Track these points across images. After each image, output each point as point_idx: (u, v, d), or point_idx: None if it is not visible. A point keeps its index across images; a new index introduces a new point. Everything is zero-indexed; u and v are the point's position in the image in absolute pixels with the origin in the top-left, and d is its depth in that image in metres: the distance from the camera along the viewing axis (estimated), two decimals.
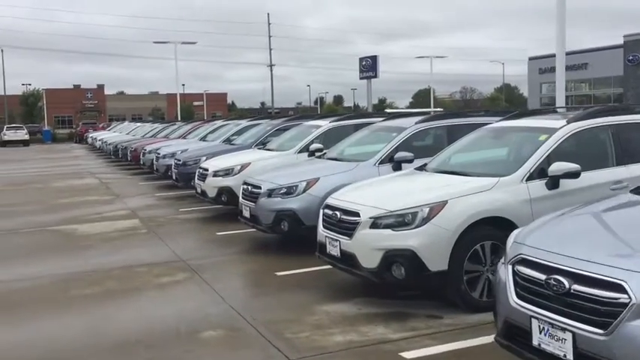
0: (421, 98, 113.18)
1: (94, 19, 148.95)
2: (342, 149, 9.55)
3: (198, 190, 11.36)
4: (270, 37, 77.19)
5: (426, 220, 5.34)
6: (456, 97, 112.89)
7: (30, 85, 78.06)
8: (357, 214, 5.68)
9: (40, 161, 30.26)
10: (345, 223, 5.82)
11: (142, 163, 19.26)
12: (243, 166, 10.73)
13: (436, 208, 5.38)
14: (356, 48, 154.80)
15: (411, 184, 6.32)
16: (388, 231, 5.45)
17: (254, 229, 8.78)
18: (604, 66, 45.92)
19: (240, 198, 8.85)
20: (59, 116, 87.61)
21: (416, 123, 8.68)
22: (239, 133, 15.66)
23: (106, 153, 30.22)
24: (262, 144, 13.05)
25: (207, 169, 11.14)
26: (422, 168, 6.94)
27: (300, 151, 10.97)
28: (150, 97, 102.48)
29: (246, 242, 9.09)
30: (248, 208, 8.48)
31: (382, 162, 8.27)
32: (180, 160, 13.63)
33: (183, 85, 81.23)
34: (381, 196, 5.93)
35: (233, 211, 10.84)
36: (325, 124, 11.42)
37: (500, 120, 7.23)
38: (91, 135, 43.35)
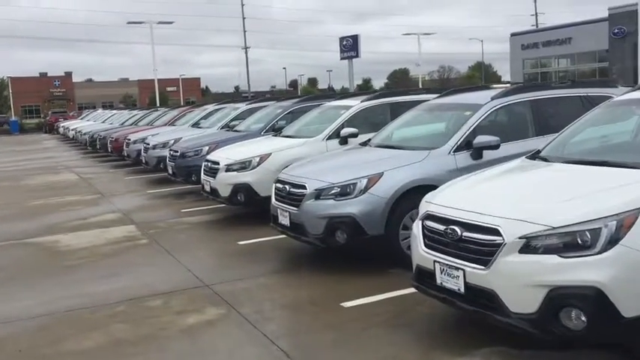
0: (397, 79, 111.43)
1: (56, 3, 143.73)
2: (391, 134, 7.71)
3: (207, 188, 9.40)
4: (244, 18, 74.82)
5: (615, 239, 3.51)
6: (434, 76, 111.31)
7: None
8: (496, 231, 3.82)
9: (8, 154, 27.76)
10: (472, 244, 3.97)
11: (125, 154, 17.13)
12: (263, 158, 8.82)
13: None
14: (326, 29, 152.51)
15: (556, 183, 4.46)
16: (553, 258, 3.61)
17: (285, 236, 6.93)
18: (588, 40, 44.53)
19: (274, 200, 6.93)
20: (26, 106, 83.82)
21: (492, 98, 6.85)
22: (239, 117, 13.71)
23: (80, 144, 27.86)
24: (273, 130, 11.13)
25: (217, 163, 9.17)
26: (535, 156, 5.12)
27: (329, 138, 9.12)
28: (120, 83, 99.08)
29: (281, 255, 7.20)
30: (287, 214, 6.56)
31: (458, 149, 6.45)
32: (177, 151, 11.61)
33: (156, 70, 78.16)
34: (522, 203, 4.06)
35: (250, 212, 9.02)
36: (356, 104, 9.54)
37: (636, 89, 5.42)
38: (62, 124, 40.70)
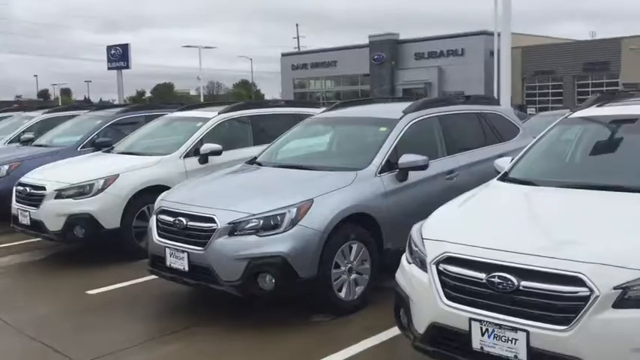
0: (158, 92, 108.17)
1: None
2: (287, 151, 6.62)
3: (23, 221, 7.14)
4: None
5: None
6: (203, 91, 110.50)
7: None
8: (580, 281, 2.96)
9: None
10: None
11: None
12: (108, 181, 6.95)
13: None
14: (79, 38, 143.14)
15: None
16: None
17: (160, 278, 5.42)
18: (352, 64, 47.73)
19: (156, 237, 5.24)
20: None
21: (405, 112, 6.12)
22: (37, 129, 11.26)
23: None
24: (95, 145, 9.19)
25: (41, 187, 7.02)
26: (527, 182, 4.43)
27: (187, 155, 7.61)
28: None
29: (161, 306, 5.55)
30: (184, 256, 4.99)
31: (382, 170, 5.58)
32: None
33: None
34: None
35: (83, 249, 7.21)
36: (214, 116, 8.14)
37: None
38: None
